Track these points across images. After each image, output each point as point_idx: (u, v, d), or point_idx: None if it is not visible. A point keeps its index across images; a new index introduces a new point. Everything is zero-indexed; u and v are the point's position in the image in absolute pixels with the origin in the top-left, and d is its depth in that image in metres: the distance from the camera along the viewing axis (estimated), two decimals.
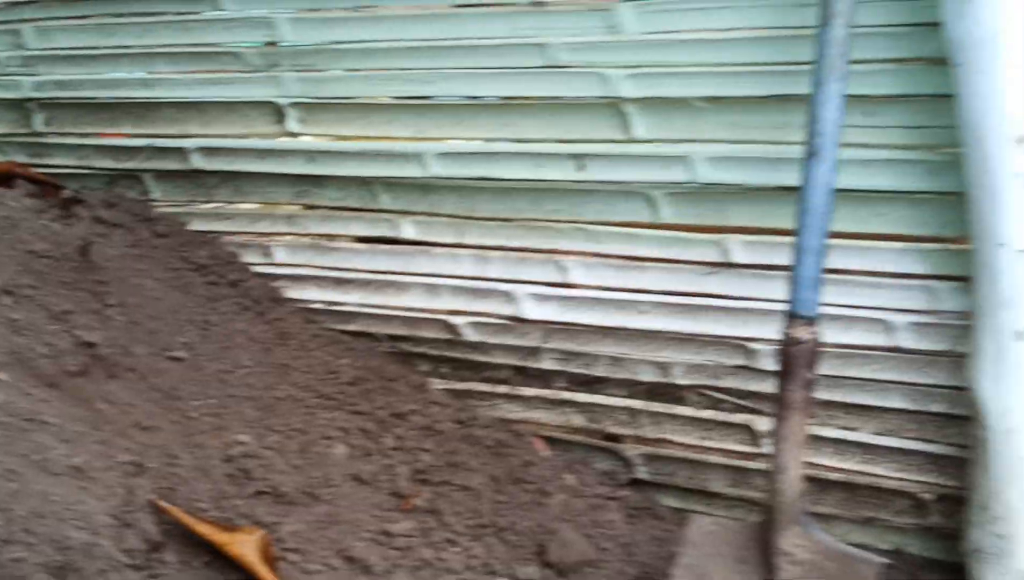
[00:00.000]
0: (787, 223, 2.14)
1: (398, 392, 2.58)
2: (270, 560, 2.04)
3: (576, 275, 2.51)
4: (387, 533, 2.21)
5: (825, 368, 2.24)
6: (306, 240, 2.78)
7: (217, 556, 2.03)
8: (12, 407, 2.01)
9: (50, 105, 2.98)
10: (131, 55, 2.85)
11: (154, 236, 2.75)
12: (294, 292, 2.79)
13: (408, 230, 2.67)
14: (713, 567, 2.04)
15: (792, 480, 1.99)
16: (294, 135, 2.72)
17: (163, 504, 2.05)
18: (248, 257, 2.82)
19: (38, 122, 3.00)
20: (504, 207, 2.57)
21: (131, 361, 2.34)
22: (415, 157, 2.60)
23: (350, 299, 2.75)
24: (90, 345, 2.28)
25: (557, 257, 2.53)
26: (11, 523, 1.83)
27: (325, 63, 2.64)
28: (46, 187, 2.86)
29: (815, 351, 2.00)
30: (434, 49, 2.52)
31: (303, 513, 2.18)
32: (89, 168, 2.97)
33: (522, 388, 2.63)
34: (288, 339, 2.62)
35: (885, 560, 2.02)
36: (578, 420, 2.60)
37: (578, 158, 2.45)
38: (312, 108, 2.69)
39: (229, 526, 2.08)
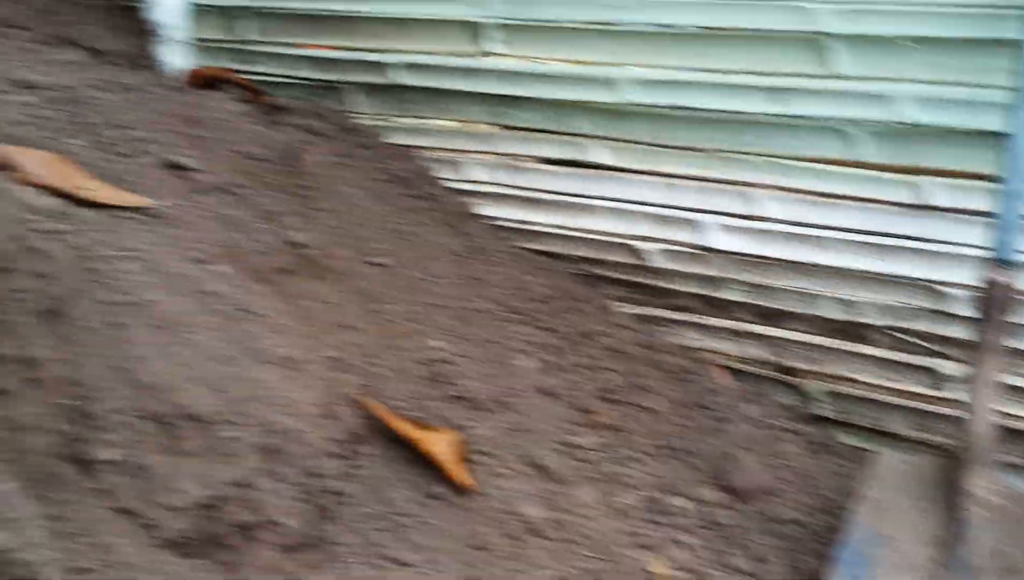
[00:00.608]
0: (986, 168, 2.13)
1: (584, 312, 2.63)
2: (463, 461, 2.13)
3: (766, 208, 2.52)
4: (573, 445, 2.27)
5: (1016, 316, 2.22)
6: (499, 159, 2.83)
7: (413, 452, 2.12)
8: (228, 297, 2.12)
9: (258, 14, 3.06)
10: None
11: (355, 147, 2.84)
12: (486, 209, 2.85)
13: (599, 154, 2.70)
14: (897, 503, 2.05)
15: (985, 423, 1.98)
16: (493, 55, 2.76)
17: (365, 399, 2.14)
18: (442, 172, 2.89)
19: (246, 30, 3.09)
20: (697, 137, 2.58)
21: (335, 263, 2.43)
22: (609, 82, 2.62)
23: (540, 219, 2.79)
24: (298, 245, 2.38)
25: (748, 189, 2.53)
26: (227, 404, 1.93)
27: None
28: (252, 93, 2.96)
29: (1015, 297, 1.98)
30: None
31: (494, 419, 2.25)
32: (292, 77, 3.06)
33: (705, 317, 2.66)
34: (481, 254, 2.69)
35: None
36: (760, 352, 2.61)
37: (775, 91, 2.45)
38: (512, 29, 2.72)
39: (425, 425, 2.16)
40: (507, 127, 2.81)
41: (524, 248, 2.80)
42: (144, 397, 1.85)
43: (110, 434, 1.80)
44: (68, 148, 2.27)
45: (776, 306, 2.57)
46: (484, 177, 2.85)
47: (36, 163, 2.12)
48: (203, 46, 3.15)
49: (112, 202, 2.14)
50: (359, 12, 2.90)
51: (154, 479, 1.80)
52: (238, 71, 3.09)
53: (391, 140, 2.94)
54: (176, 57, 3.08)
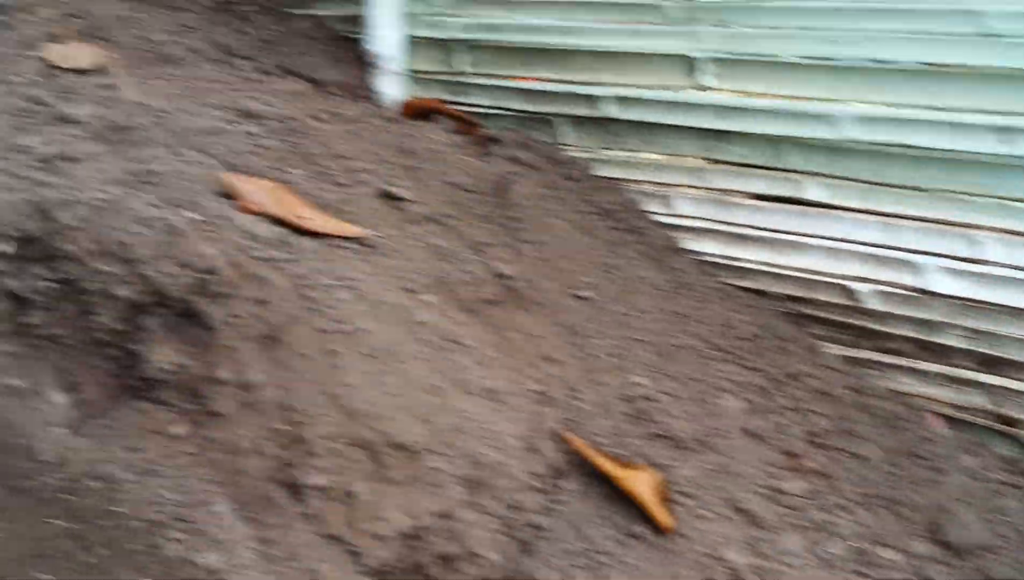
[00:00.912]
0: None
1: (791, 353, 2.56)
2: (664, 501, 2.10)
3: (992, 251, 2.41)
4: (778, 491, 2.21)
5: None
6: (708, 194, 2.79)
7: (613, 490, 2.10)
8: (437, 328, 2.15)
9: (473, 47, 3.11)
10: (553, 2, 2.93)
11: (563, 179, 2.85)
12: (693, 244, 2.81)
13: (813, 191, 2.63)
14: None
15: None
16: (706, 89, 2.73)
17: (567, 434, 2.14)
18: (649, 206, 2.87)
19: (460, 62, 3.14)
20: (917, 175, 2.49)
21: (540, 295, 2.44)
22: (826, 118, 2.56)
23: (748, 256, 2.74)
24: (504, 276, 2.39)
25: (972, 231, 2.43)
26: (433, 435, 1.96)
27: (742, 19, 2.63)
28: (464, 124, 3.01)
29: None
30: (856, 11, 2.47)
31: (696, 460, 2.21)
32: (503, 109, 3.09)
33: (921, 362, 2.56)
34: (686, 289, 2.66)
35: None
36: (980, 401, 2.49)
37: (1003, 131, 2.34)
38: (726, 64, 2.68)
39: (626, 463, 2.14)
40: (718, 161, 2.77)
41: (731, 285, 2.75)
42: (353, 424, 1.89)
43: (320, 460, 1.85)
44: (289, 177, 2.34)
45: (999, 354, 2.45)
46: (692, 211, 2.82)
47: (258, 192, 2.20)
48: (419, 77, 3.22)
49: (329, 231, 2.20)
50: (572, 46, 2.91)
51: (361, 506, 1.84)
52: (451, 102, 3.14)
53: (599, 173, 2.94)
54: (393, 88, 3.15)
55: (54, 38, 2.71)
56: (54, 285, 1.87)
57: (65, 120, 2.26)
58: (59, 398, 1.85)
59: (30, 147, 2.12)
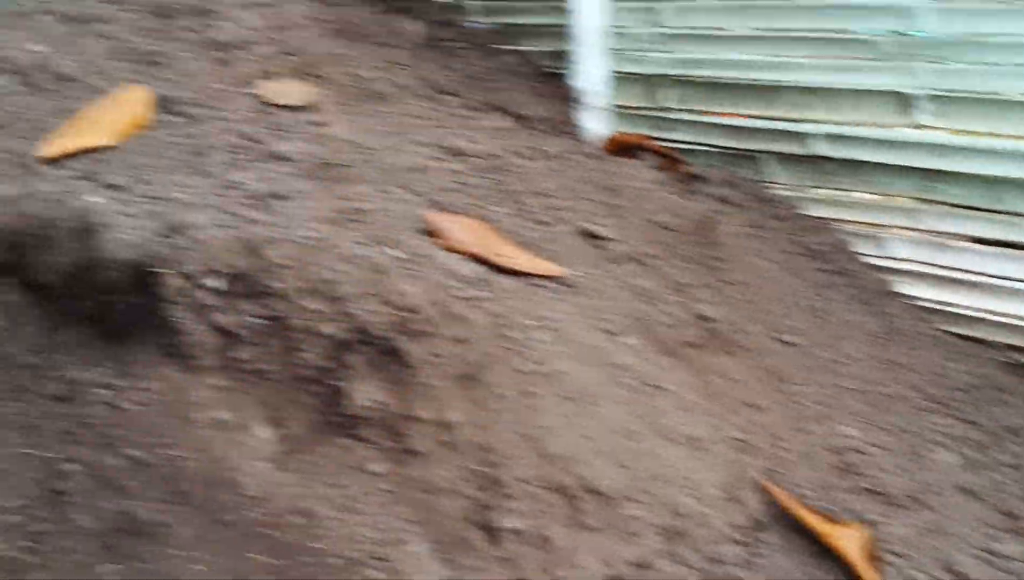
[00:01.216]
0: None
1: (1011, 405, 2.42)
2: (872, 559, 2.00)
3: None
4: (995, 553, 2.08)
5: None
6: (922, 236, 2.68)
7: (817, 546, 2.02)
8: (637, 371, 2.11)
9: (678, 82, 3.07)
10: (761, 37, 2.87)
11: (769, 218, 2.78)
12: (905, 287, 2.70)
13: None
14: None
15: None
16: (922, 127, 2.62)
17: (770, 485, 2.07)
18: (859, 247, 2.77)
19: (665, 97, 3.11)
20: None
21: (744, 339, 2.37)
22: None
23: (965, 302, 2.62)
24: (707, 319, 2.34)
25: None
26: (630, 481, 1.92)
27: (962, 55, 2.52)
28: (668, 161, 2.97)
29: None
30: None
31: (908, 517, 2.11)
32: (708, 145, 3.04)
33: None
34: (898, 335, 2.55)
35: None
36: None
37: None
38: (944, 100, 2.57)
39: (832, 517, 2.06)
40: (933, 202, 2.65)
41: (946, 332, 2.63)
42: (550, 467, 1.87)
43: (516, 502, 1.83)
44: (491, 215, 2.35)
45: None
46: (906, 254, 2.70)
47: (461, 230, 2.21)
48: (622, 113, 3.20)
49: (529, 270, 2.19)
50: (780, 81, 2.85)
51: (556, 552, 1.81)
52: (655, 138, 3.11)
53: (807, 212, 2.86)
54: (596, 124, 3.14)
55: (268, 75, 2.79)
56: (262, 321, 1.91)
57: (276, 157, 2.32)
58: (264, 433, 1.89)
59: (242, 183, 2.18)
